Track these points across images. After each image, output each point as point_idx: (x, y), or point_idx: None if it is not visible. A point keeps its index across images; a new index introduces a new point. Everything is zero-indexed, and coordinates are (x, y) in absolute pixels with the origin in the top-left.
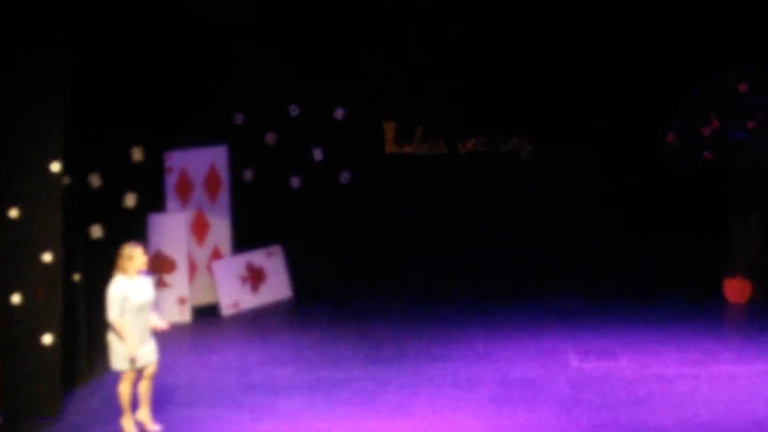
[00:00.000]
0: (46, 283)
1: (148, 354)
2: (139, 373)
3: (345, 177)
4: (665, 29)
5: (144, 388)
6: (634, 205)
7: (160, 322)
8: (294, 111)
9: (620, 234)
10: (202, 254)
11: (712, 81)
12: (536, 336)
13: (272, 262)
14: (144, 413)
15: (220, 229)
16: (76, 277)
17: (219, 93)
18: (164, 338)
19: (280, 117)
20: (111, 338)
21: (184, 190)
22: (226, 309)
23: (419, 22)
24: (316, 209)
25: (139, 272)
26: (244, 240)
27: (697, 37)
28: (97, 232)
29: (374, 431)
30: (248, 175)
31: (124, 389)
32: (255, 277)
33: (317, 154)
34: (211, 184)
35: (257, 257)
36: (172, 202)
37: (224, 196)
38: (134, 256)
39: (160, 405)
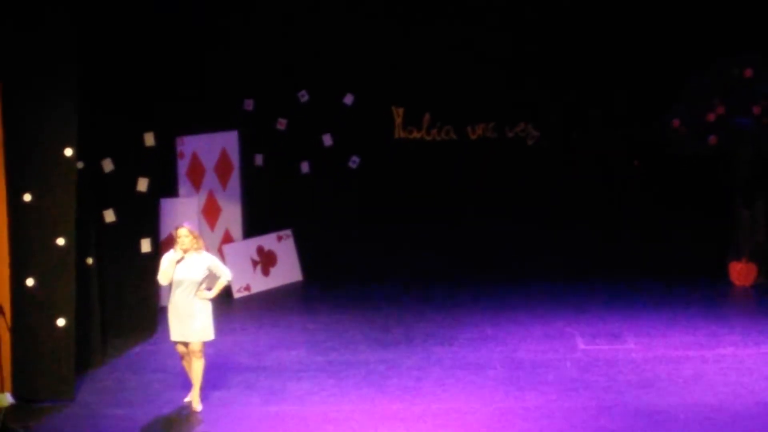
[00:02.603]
0: (59, 267)
1: (184, 334)
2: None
3: (354, 162)
4: (672, 15)
5: (190, 366)
6: (640, 189)
7: (207, 293)
8: (303, 97)
9: (627, 218)
10: (213, 238)
11: (717, 67)
12: (543, 319)
13: (283, 245)
14: (192, 393)
15: (232, 214)
16: (89, 260)
17: (230, 79)
18: None
19: (290, 103)
20: None
21: (196, 174)
22: (238, 292)
23: (428, 9)
24: (325, 194)
25: (187, 251)
26: (255, 224)
27: (703, 22)
28: (109, 216)
29: (384, 413)
30: (259, 160)
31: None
32: (266, 261)
33: (327, 140)
34: (223, 168)
35: (268, 241)
36: (183, 186)
37: (235, 181)
38: (178, 235)
39: (171, 388)
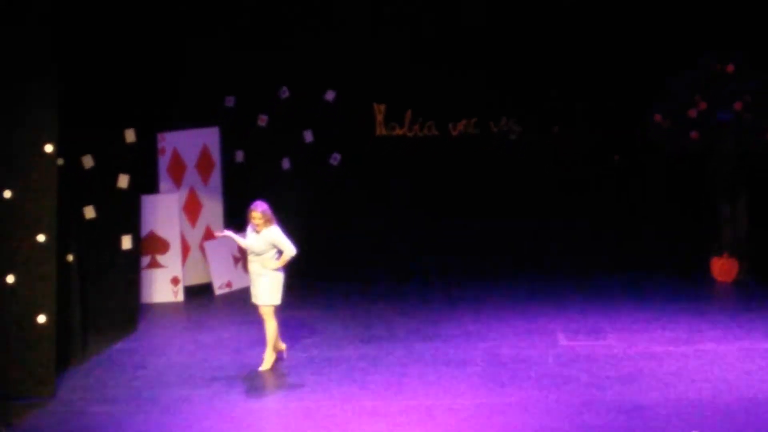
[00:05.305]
0: (40, 263)
1: (255, 296)
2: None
3: (335, 159)
4: (654, 11)
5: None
6: (622, 184)
7: (274, 263)
8: (284, 93)
9: (609, 213)
10: (194, 235)
11: (699, 62)
12: (525, 315)
13: None
14: (266, 353)
15: (213, 210)
16: (70, 257)
17: (211, 75)
18: (157, 318)
19: (270, 99)
20: None
21: (177, 171)
22: (219, 289)
23: (409, 4)
24: (306, 190)
25: (254, 227)
26: (236, 221)
27: (685, 18)
28: (90, 212)
29: (366, 410)
30: (240, 156)
31: None
32: (247, 258)
33: (308, 136)
34: (204, 165)
35: None
36: (164, 183)
37: (216, 177)
38: (251, 217)
39: (152, 385)
